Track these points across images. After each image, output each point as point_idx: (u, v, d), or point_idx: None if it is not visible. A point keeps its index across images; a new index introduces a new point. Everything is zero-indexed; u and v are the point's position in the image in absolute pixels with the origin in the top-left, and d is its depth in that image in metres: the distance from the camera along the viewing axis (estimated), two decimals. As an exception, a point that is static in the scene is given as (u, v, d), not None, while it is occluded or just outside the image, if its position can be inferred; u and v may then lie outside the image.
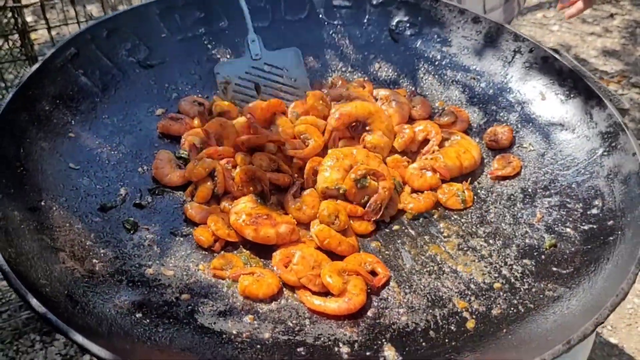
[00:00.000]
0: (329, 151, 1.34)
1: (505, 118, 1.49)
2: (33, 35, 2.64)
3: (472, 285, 1.14)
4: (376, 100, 1.50)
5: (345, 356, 1.00)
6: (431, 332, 1.05)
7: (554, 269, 1.14)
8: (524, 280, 1.14)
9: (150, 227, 1.22)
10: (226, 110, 1.45)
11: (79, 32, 1.43)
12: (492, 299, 1.11)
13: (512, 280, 1.15)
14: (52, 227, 1.11)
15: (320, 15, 1.69)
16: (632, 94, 4.69)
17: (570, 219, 1.23)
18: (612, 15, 5.74)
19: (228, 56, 1.60)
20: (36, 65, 1.32)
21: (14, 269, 0.94)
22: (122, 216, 1.22)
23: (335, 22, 1.69)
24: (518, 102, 1.50)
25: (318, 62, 1.63)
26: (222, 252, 1.19)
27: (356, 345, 1.02)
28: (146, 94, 1.48)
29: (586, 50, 5.18)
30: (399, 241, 1.25)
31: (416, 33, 1.66)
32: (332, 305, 1.08)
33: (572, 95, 1.43)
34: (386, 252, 1.23)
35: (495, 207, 1.31)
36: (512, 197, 1.33)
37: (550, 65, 1.48)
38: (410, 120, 1.49)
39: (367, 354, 1.00)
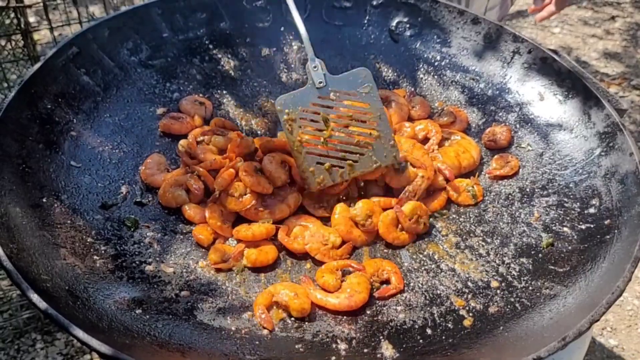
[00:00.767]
0: None
1: (504, 118, 1.50)
2: (35, 36, 2.66)
3: (469, 284, 1.15)
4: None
5: (343, 353, 1.01)
6: (428, 330, 1.06)
7: (551, 267, 1.15)
8: (521, 278, 1.15)
9: (150, 225, 1.23)
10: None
11: (81, 32, 1.44)
12: (489, 297, 1.12)
13: (510, 278, 1.15)
14: (54, 223, 1.13)
15: (321, 16, 1.70)
16: (633, 96, 4.70)
17: (568, 218, 1.24)
18: (613, 18, 5.74)
19: (229, 56, 1.61)
20: (38, 64, 1.33)
21: (15, 264, 0.95)
22: (123, 214, 1.23)
23: (336, 23, 1.70)
24: (517, 102, 1.51)
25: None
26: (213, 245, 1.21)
27: (354, 342, 1.03)
28: (147, 93, 1.49)
29: (587, 53, 5.18)
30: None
31: (416, 34, 1.67)
32: (332, 300, 1.09)
33: (570, 96, 1.43)
34: (385, 250, 1.24)
35: (493, 206, 1.32)
36: (510, 196, 1.34)
37: (548, 66, 1.49)
38: (410, 120, 1.50)
39: (365, 350, 1.01)
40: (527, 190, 1.34)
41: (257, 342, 1.01)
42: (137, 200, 1.27)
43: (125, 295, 1.04)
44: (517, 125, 1.48)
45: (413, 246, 1.25)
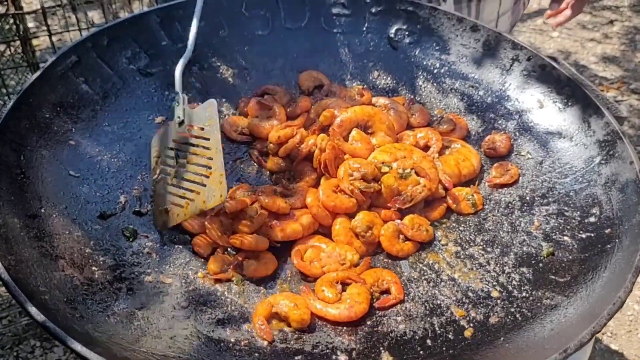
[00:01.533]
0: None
1: (504, 126, 1.50)
2: (34, 42, 2.65)
3: (469, 294, 1.15)
4: (375, 108, 1.50)
5: (344, 365, 1.00)
6: (429, 341, 1.05)
7: (552, 277, 1.14)
8: (522, 288, 1.14)
9: (149, 235, 1.22)
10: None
11: (80, 40, 1.43)
12: (489, 307, 1.11)
13: (510, 288, 1.15)
14: (52, 234, 1.12)
15: (320, 24, 1.70)
16: (631, 100, 4.71)
17: (568, 227, 1.24)
18: (611, 22, 5.75)
19: (228, 64, 1.61)
20: (37, 73, 1.33)
21: (13, 276, 0.94)
22: (121, 224, 1.23)
23: (335, 30, 1.70)
24: (516, 110, 1.51)
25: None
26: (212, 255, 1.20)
27: (354, 353, 1.03)
28: (146, 101, 1.49)
29: (586, 57, 5.19)
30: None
31: (415, 41, 1.67)
32: (332, 311, 1.09)
33: (570, 104, 1.43)
34: (384, 259, 1.24)
35: (493, 215, 1.32)
36: (510, 205, 1.34)
37: (548, 74, 1.48)
38: (409, 128, 1.50)
39: (365, 362, 1.01)
40: (527, 198, 1.34)
41: (256, 354, 1.00)
42: (136, 209, 1.27)
43: (124, 307, 1.04)
44: (517, 133, 1.48)
45: (413, 255, 1.24)
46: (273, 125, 1.45)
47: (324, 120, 1.40)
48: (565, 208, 1.28)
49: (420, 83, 1.63)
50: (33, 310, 0.89)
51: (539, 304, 1.09)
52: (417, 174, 1.31)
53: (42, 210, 1.16)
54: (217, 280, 1.15)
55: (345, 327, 1.08)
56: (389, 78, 1.65)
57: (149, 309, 1.05)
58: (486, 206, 1.35)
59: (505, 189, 1.38)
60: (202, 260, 1.19)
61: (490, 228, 1.29)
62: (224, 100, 1.56)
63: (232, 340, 1.03)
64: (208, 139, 1.25)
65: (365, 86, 1.61)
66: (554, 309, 1.06)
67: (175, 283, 1.13)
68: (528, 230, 1.27)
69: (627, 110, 4.55)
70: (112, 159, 1.35)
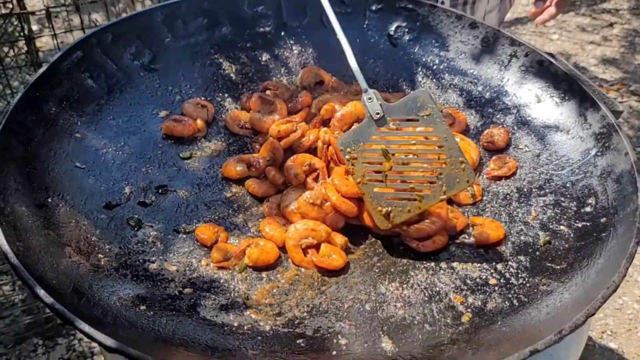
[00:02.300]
0: None
1: (502, 120, 1.53)
2: (38, 44, 2.68)
3: (468, 281, 1.17)
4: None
5: (344, 347, 1.02)
6: (427, 325, 1.07)
7: (548, 264, 1.17)
8: (519, 275, 1.17)
9: (154, 224, 1.25)
10: None
11: (85, 36, 1.46)
12: (487, 293, 1.13)
13: (507, 275, 1.17)
14: (59, 223, 1.15)
15: (321, 21, 1.72)
16: (631, 102, 4.72)
17: (565, 217, 1.26)
18: (611, 25, 5.77)
19: (230, 60, 1.64)
20: (43, 68, 1.35)
21: (22, 261, 0.97)
22: (126, 214, 1.25)
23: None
24: (514, 104, 1.53)
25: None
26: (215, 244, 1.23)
27: (354, 337, 1.05)
28: (150, 96, 1.52)
29: (586, 59, 5.21)
30: (395, 238, 1.28)
31: (414, 38, 1.69)
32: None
33: (566, 98, 1.46)
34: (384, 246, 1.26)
35: (491, 206, 1.34)
36: (507, 196, 1.36)
37: (545, 69, 1.51)
38: (409, 122, 1.52)
39: (365, 345, 1.03)
40: (525, 190, 1.36)
41: (259, 338, 1.03)
42: (141, 200, 1.29)
43: (129, 292, 1.06)
44: (515, 127, 1.50)
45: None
46: (274, 119, 1.47)
47: (325, 114, 1.42)
48: (562, 199, 1.30)
49: (420, 79, 1.66)
50: (42, 292, 0.92)
51: (535, 290, 1.11)
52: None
53: (49, 200, 1.18)
54: (220, 268, 1.18)
55: (345, 312, 1.10)
56: (389, 74, 1.68)
57: (154, 295, 1.08)
58: (484, 198, 1.37)
59: (503, 181, 1.40)
60: (205, 249, 1.21)
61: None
62: (226, 95, 1.59)
63: (236, 324, 1.05)
64: (431, 129, 1.21)
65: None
66: (550, 295, 1.08)
67: (180, 270, 1.15)
68: (525, 221, 1.29)
69: (626, 110, 4.57)
70: (117, 152, 1.37)
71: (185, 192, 1.34)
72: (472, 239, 1.26)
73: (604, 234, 1.16)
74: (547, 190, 1.34)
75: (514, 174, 1.40)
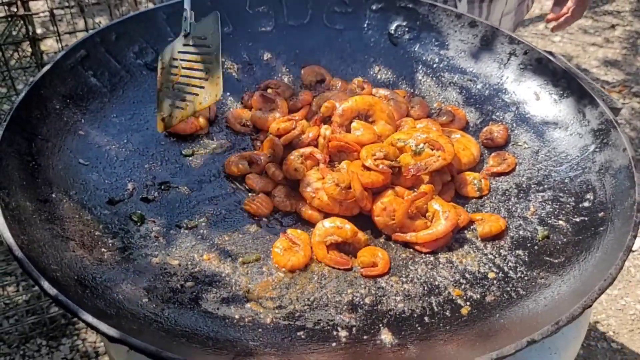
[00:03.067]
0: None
1: (501, 117, 1.54)
2: (42, 46, 2.71)
3: (467, 275, 1.18)
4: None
5: (344, 339, 1.03)
6: (426, 318, 1.09)
7: (546, 258, 1.18)
8: (517, 269, 1.18)
9: (156, 219, 1.26)
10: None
11: (89, 35, 1.48)
12: (486, 287, 1.15)
13: (506, 269, 1.18)
14: (63, 217, 1.16)
15: (322, 20, 1.74)
16: (633, 104, 4.73)
17: (563, 212, 1.27)
18: (613, 26, 5.78)
19: (232, 59, 1.65)
20: (48, 66, 1.37)
21: (26, 254, 0.98)
22: (129, 209, 1.27)
23: (337, 27, 1.74)
24: (513, 102, 1.54)
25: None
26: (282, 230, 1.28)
27: (354, 329, 1.06)
28: (153, 95, 1.53)
29: (588, 61, 5.22)
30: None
31: (414, 37, 1.71)
32: None
33: (565, 95, 1.47)
34: (382, 241, 1.27)
35: (490, 202, 1.35)
36: (506, 192, 1.37)
37: (544, 67, 1.52)
38: (409, 120, 1.54)
39: (365, 337, 1.04)
40: (524, 186, 1.37)
41: (260, 330, 1.04)
42: (144, 196, 1.31)
43: (132, 286, 1.07)
44: (514, 124, 1.51)
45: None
46: (275, 117, 1.49)
47: (325, 111, 1.44)
48: (561, 194, 1.31)
49: (420, 77, 1.67)
50: (46, 284, 0.93)
51: (533, 284, 1.12)
52: (432, 148, 1.33)
53: (53, 195, 1.20)
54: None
55: (345, 306, 1.11)
56: (389, 73, 1.69)
57: (156, 288, 1.09)
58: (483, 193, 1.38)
59: (503, 177, 1.41)
60: (208, 243, 1.23)
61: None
62: (228, 94, 1.60)
63: (237, 317, 1.06)
64: (209, 47, 1.35)
65: (366, 80, 1.65)
66: (547, 287, 1.09)
67: (182, 264, 1.17)
68: (524, 216, 1.30)
69: (627, 110, 4.58)
70: (120, 149, 1.39)
71: (187, 189, 1.35)
72: (472, 234, 1.28)
73: (601, 228, 1.17)
74: (545, 186, 1.35)
75: (513, 170, 1.41)
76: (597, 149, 1.34)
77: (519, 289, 1.12)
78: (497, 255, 1.22)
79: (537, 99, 1.51)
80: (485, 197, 1.37)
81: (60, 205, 1.19)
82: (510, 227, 1.28)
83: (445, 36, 1.68)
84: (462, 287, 1.15)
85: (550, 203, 1.30)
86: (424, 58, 1.69)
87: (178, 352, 0.87)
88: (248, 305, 1.10)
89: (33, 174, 1.20)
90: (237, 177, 1.39)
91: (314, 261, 1.22)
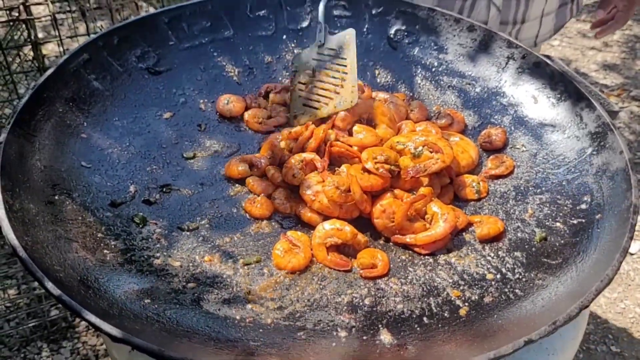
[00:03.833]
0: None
1: (499, 121, 1.55)
2: (44, 51, 2.72)
3: (465, 276, 1.19)
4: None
5: (344, 339, 1.05)
6: (425, 319, 1.10)
7: (544, 260, 1.19)
8: (515, 271, 1.19)
9: (158, 222, 1.27)
10: None
11: (91, 39, 1.50)
12: (484, 288, 1.16)
13: (504, 271, 1.20)
14: (66, 219, 1.17)
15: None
16: (632, 107, 4.74)
17: (561, 214, 1.29)
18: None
19: (233, 63, 1.67)
20: (51, 70, 1.39)
21: (30, 255, 0.99)
22: (131, 211, 1.28)
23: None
24: (511, 105, 1.56)
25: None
26: (282, 232, 1.29)
27: (354, 330, 1.07)
28: (154, 98, 1.55)
29: (587, 65, 5.24)
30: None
31: (414, 41, 1.72)
32: None
33: (563, 98, 1.48)
34: (382, 243, 1.29)
35: (488, 204, 1.37)
36: (505, 194, 1.38)
37: (542, 70, 1.54)
38: (409, 123, 1.55)
39: (364, 337, 1.05)
40: (522, 188, 1.38)
41: (260, 330, 1.05)
42: (145, 198, 1.32)
43: (134, 286, 1.09)
44: (512, 127, 1.53)
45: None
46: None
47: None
48: (558, 196, 1.33)
49: (419, 81, 1.69)
50: (49, 285, 0.94)
51: (531, 285, 1.14)
52: (430, 151, 1.35)
53: (56, 198, 1.21)
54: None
55: (345, 306, 1.12)
56: (388, 76, 1.71)
57: (158, 289, 1.10)
58: (482, 196, 1.40)
59: (501, 179, 1.42)
60: (209, 245, 1.24)
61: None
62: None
63: (238, 317, 1.07)
64: (344, 59, 1.53)
65: (366, 83, 1.67)
66: (545, 288, 1.11)
67: (183, 266, 1.18)
68: (522, 218, 1.31)
69: (625, 113, 4.59)
70: (122, 152, 1.40)
71: (189, 191, 1.36)
72: (470, 236, 1.29)
73: (598, 230, 1.19)
74: (543, 189, 1.36)
75: (512, 172, 1.43)
76: (595, 152, 1.35)
77: (517, 290, 1.13)
78: (495, 257, 1.23)
79: (535, 102, 1.53)
80: (484, 200, 1.38)
81: (64, 208, 1.20)
82: (509, 229, 1.29)
83: (444, 40, 1.70)
84: (461, 288, 1.16)
85: (548, 205, 1.32)
86: (423, 62, 1.70)
87: (180, 351, 0.88)
88: (249, 306, 1.11)
89: (36, 177, 1.22)
90: (238, 179, 1.40)
91: (314, 263, 1.23)
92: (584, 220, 1.24)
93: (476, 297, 1.14)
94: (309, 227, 1.31)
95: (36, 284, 2.87)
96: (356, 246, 1.26)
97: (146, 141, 1.45)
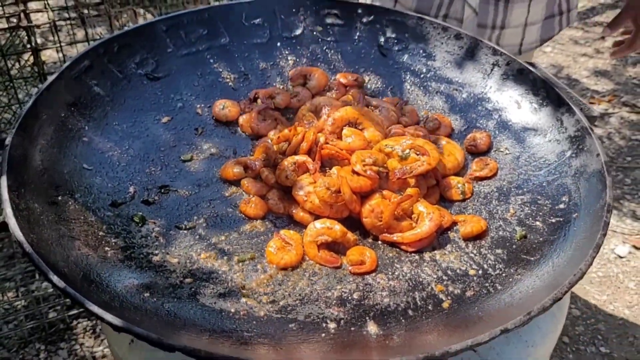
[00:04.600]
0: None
1: (484, 125, 1.62)
2: (42, 57, 2.78)
3: (449, 272, 1.26)
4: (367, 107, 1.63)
5: (332, 331, 1.11)
6: (410, 311, 1.16)
7: (523, 256, 1.25)
8: (496, 267, 1.25)
9: (156, 221, 1.33)
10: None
11: (92, 47, 1.56)
12: (466, 283, 1.22)
13: (485, 267, 1.26)
14: (69, 219, 1.23)
15: (315, 33, 1.83)
16: (622, 113, 4.80)
17: (540, 214, 1.35)
18: (603, 37, 5.86)
19: (229, 69, 1.74)
20: (54, 76, 1.45)
21: (36, 251, 1.05)
22: (131, 211, 1.34)
23: (329, 39, 1.83)
24: (496, 110, 1.63)
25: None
26: (276, 230, 1.35)
27: (342, 322, 1.13)
28: (153, 103, 1.61)
29: (578, 71, 5.30)
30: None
31: (403, 48, 1.79)
32: None
33: (544, 104, 1.55)
34: (370, 241, 1.35)
35: (473, 204, 1.43)
36: (488, 195, 1.45)
37: (525, 77, 1.61)
38: (398, 127, 1.62)
39: (352, 329, 1.11)
40: (504, 189, 1.45)
41: (254, 322, 1.11)
42: (144, 199, 1.38)
43: (134, 281, 1.14)
44: (496, 131, 1.59)
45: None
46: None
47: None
48: (539, 197, 1.39)
49: (408, 87, 1.75)
50: (55, 278, 1.00)
51: (510, 280, 1.20)
52: (417, 154, 1.41)
53: (59, 198, 1.27)
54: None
55: (334, 300, 1.18)
56: (379, 82, 1.77)
57: (157, 284, 1.16)
58: (466, 196, 1.46)
59: (485, 181, 1.49)
60: (205, 243, 1.30)
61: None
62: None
63: (232, 310, 1.13)
64: None
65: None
66: (523, 283, 1.17)
67: (180, 262, 1.24)
68: (504, 217, 1.38)
69: (618, 122, 4.63)
70: (122, 155, 1.46)
71: (186, 192, 1.42)
72: (455, 234, 1.35)
73: (575, 228, 1.25)
74: (525, 190, 1.43)
75: (495, 174, 1.49)
76: (573, 155, 1.42)
77: (497, 285, 1.20)
78: (477, 254, 1.29)
79: (519, 107, 1.59)
80: (468, 200, 1.45)
81: (66, 207, 1.26)
82: (491, 227, 1.36)
83: (432, 47, 1.76)
84: (444, 283, 1.23)
85: (528, 205, 1.38)
86: (412, 68, 1.77)
87: (177, 340, 0.94)
88: (243, 299, 1.17)
89: (40, 178, 1.28)
90: (233, 181, 1.46)
91: (306, 260, 1.29)
92: (561, 219, 1.31)
93: (458, 292, 1.20)
94: (301, 226, 1.37)
95: (34, 286, 2.92)
96: (346, 244, 1.32)
97: (145, 144, 1.51)
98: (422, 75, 1.75)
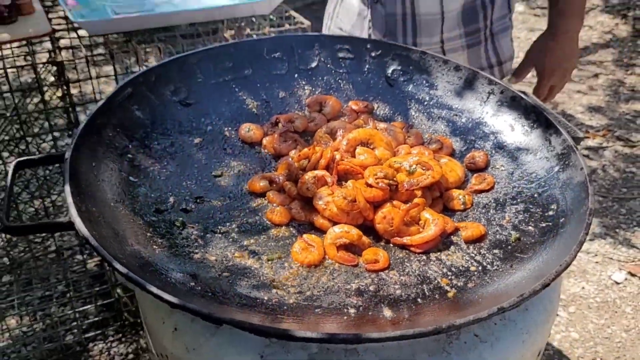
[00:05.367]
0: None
1: (482, 145, 1.81)
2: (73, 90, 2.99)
3: (453, 269, 1.43)
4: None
5: (353, 314, 1.28)
6: (419, 299, 1.33)
7: (518, 255, 1.43)
8: (494, 263, 1.43)
9: (195, 226, 1.51)
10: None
11: (133, 77, 1.76)
12: (468, 277, 1.39)
13: (484, 264, 1.43)
14: (121, 221, 1.42)
15: (328, 65, 2.04)
16: (616, 147, 4.98)
17: (532, 220, 1.53)
18: (596, 75, 6.09)
19: (252, 97, 1.94)
20: (102, 101, 1.65)
21: (100, 244, 1.23)
22: (172, 217, 1.52)
23: (341, 71, 2.03)
24: (492, 132, 1.82)
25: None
26: (299, 234, 1.52)
27: (361, 308, 1.30)
28: (186, 126, 1.80)
29: (573, 107, 5.50)
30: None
31: (408, 79, 2.00)
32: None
33: (535, 126, 1.74)
34: (382, 244, 1.53)
35: (473, 213, 1.61)
36: (486, 205, 1.63)
37: (517, 103, 1.80)
38: (405, 148, 1.81)
39: (370, 313, 1.28)
40: (501, 200, 1.63)
41: (284, 307, 1.28)
42: (183, 207, 1.56)
43: (180, 274, 1.32)
44: (493, 151, 1.79)
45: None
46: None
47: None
48: (531, 206, 1.57)
49: (413, 113, 1.95)
50: (118, 265, 1.18)
51: (506, 273, 1.37)
52: (423, 168, 1.60)
53: (112, 204, 1.46)
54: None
55: (353, 292, 1.36)
56: (387, 109, 1.97)
57: (199, 276, 1.34)
58: (467, 207, 1.64)
59: (483, 194, 1.67)
60: (238, 245, 1.47)
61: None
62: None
63: (266, 298, 1.30)
64: None
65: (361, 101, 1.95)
66: (517, 275, 1.35)
67: (218, 260, 1.42)
68: (500, 223, 1.56)
69: (612, 155, 4.79)
70: (162, 170, 1.65)
71: (219, 202, 1.61)
72: (457, 238, 1.53)
73: (562, 230, 1.43)
74: (518, 200, 1.61)
75: (492, 188, 1.68)
76: (561, 169, 1.60)
77: (495, 277, 1.37)
78: (477, 254, 1.47)
79: (512, 129, 1.79)
80: (469, 210, 1.63)
81: (118, 212, 1.44)
82: (489, 232, 1.54)
83: (434, 78, 1.97)
84: (449, 277, 1.40)
85: (522, 213, 1.56)
86: (416, 96, 1.97)
87: (224, 314, 1.12)
88: (274, 290, 1.34)
89: (96, 188, 1.46)
90: (260, 193, 1.65)
91: (326, 259, 1.46)
92: (550, 224, 1.49)
93: (461, 284, 1.37)
94: (321, 231, 1.55)
95: (52, 309, 3.07)
96: (361, 246, 1.49)
97: (181, 161, 1.70)
98: (425, 103, 1.96)
